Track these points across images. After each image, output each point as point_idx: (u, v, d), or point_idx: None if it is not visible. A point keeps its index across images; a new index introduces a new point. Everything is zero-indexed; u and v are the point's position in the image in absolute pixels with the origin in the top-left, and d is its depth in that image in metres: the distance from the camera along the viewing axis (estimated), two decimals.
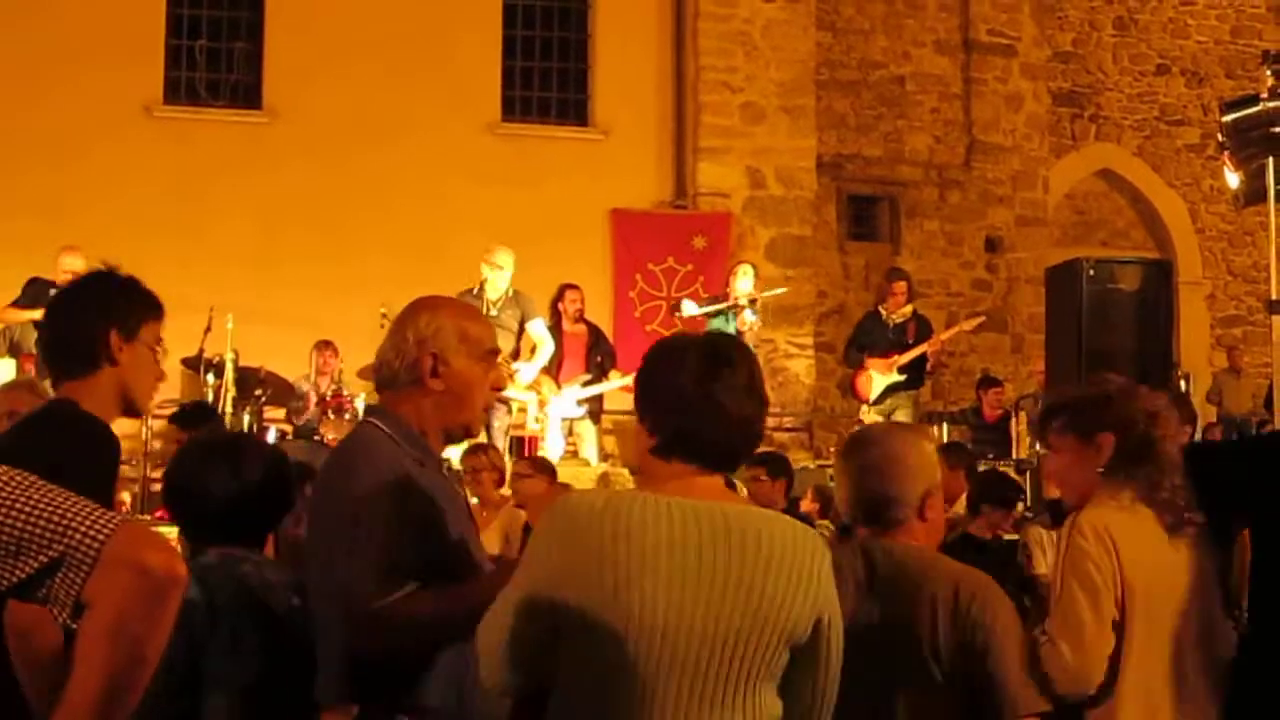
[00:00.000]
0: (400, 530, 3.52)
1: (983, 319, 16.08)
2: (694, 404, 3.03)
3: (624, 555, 2.91)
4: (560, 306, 13.93)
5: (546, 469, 9.98)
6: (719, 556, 2.93)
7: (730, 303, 13.84)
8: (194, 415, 9.24)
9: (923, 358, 14.75)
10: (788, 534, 3.01)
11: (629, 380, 13.48)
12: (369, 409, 4.17)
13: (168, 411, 14.64)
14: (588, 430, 13.74)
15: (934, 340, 14.77)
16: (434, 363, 3.77)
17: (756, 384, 3.13)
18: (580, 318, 14.05)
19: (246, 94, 16.67)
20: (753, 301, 13.94)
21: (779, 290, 15.22)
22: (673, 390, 3.07)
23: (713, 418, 3.04)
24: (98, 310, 3.96)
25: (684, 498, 2.99)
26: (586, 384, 13.71)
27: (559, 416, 13.54)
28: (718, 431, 3.05)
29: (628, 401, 12.40)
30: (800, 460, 15.13)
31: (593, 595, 2.91)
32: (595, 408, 13.90)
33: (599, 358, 13.94)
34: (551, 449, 13.37)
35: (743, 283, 13.95)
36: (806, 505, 10.62)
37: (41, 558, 2.39)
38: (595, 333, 14.18)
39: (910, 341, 14.66)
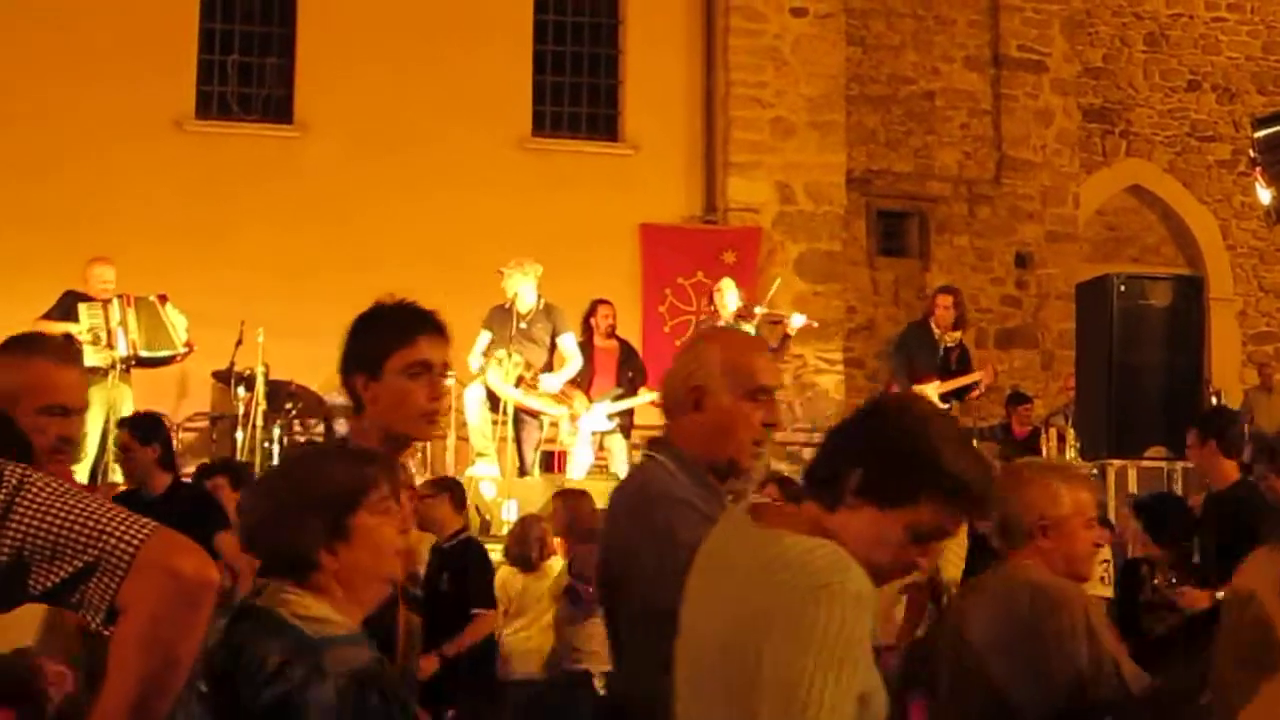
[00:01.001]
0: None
1: (994, 373, 15.70)
2: None
3: None
4: (592, 321, 13.93)
5: (449, 488, 9.93)
6: None
7: (737, 319, 13.80)
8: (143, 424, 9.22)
9: (970, 385, 14.56)
10: None
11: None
12: (651, 442, 4.21)
13: (199, 424, 14.82)
14: (618, 444, 13.73)
15: (989, 369, 14.60)
16: (698, 396, 3.86)
17: None
18: (611, 333, 14.05)
19: (278, 108, 16.74)
20: (765, 311, 13.99)
21: (800, 323, 15.01)
22: None
23: None
24: (346, 360, 3.98)
25: None
26: (617, 398, 13.71)
27: (589, 430, 13.55)
28: None
29: (657, 416, 12.39)
30: None
31: None
32: (626, 422, 13.89)
33: (630, 373, 13.94)
34: (580, 463, 13.37)
35: (729, 297, 13.96)
36: None
37: (76, 563, 2.41)
38: (626, 348, 14.17)
39: (954, 368, 14.49)
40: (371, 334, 3.93)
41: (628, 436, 13.92)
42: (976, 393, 14.88)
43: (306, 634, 3.02)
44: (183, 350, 13.04)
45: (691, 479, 3.81)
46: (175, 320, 12.98)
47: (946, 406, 14.32)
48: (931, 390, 14.30)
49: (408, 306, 3.96)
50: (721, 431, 3.84)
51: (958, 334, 14.69)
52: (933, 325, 14.70)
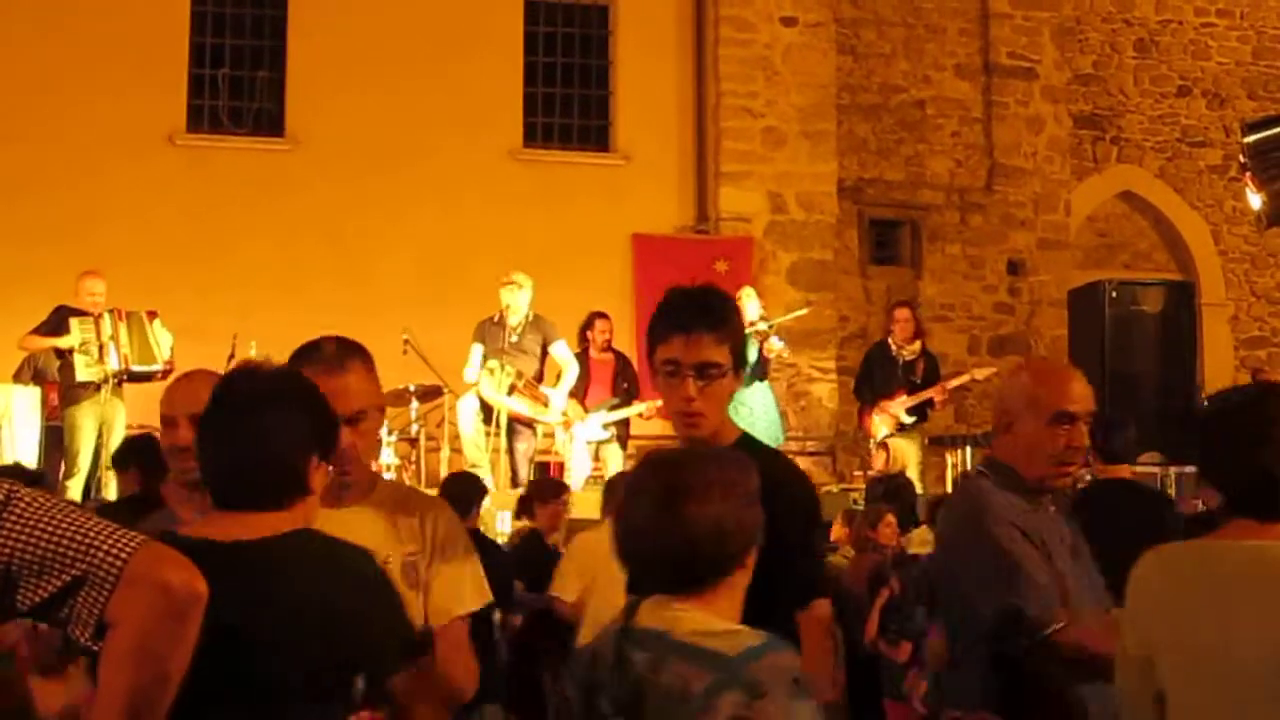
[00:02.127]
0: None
1: (995, 370, 15.70)
2: None
3: None
4: (589, 334, 13.95)
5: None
6: None
7: (750, 330, 13.80)
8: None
9: (930, 400, 14.44)
10: None
11: (656, 405, 13.54)
12: (983, 459, 4.54)
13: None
14: (614, 454, 13.75)
15: (940, 388, 14.46)
16: (1009, 420, 4.25)
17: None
18: (608, 346, 14.07)
19: (269, 121, 16.74)
20: (770, 326, 13.96)
21: (800, 312, 15.21)
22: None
23: None
24: None
25: None
26: (613, 408, 13.73)
27: (585, 440, 13.56)
28: None
29: (652, 427, 12.43)
30: (824, 484, 15.12)
31: None
32: (622, 432, 13.90)
33: (625, 384, 13.96)
34: (577, 472, 13.38)
35: (750, 306, 13.93)
36: (836, 532, 10.38)
37: (64, 577, 2.41)
38: (622, 360, 14.19)
39: (919, 381, 14.42)
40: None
41: (624, 447, 13.93)
42: (938, 407, 14.69)
43: (724, 652, 2.87)
44: (162, 368, 12.93)
45: (1011, 488, 4.19)
46: (161, 338, 12.92)
47: (913, 420, 14.31)
48: (897, 406, 14.27)
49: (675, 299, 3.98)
50: (1024, 454, 4.19)
51: (917, 345, 14.62)
52: (890, 342, 14.66)
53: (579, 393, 13.63)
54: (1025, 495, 4.18)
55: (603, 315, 14.17)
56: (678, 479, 3.04)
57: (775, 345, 13.90)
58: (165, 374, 13.18)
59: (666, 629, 2.93)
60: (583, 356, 13.78)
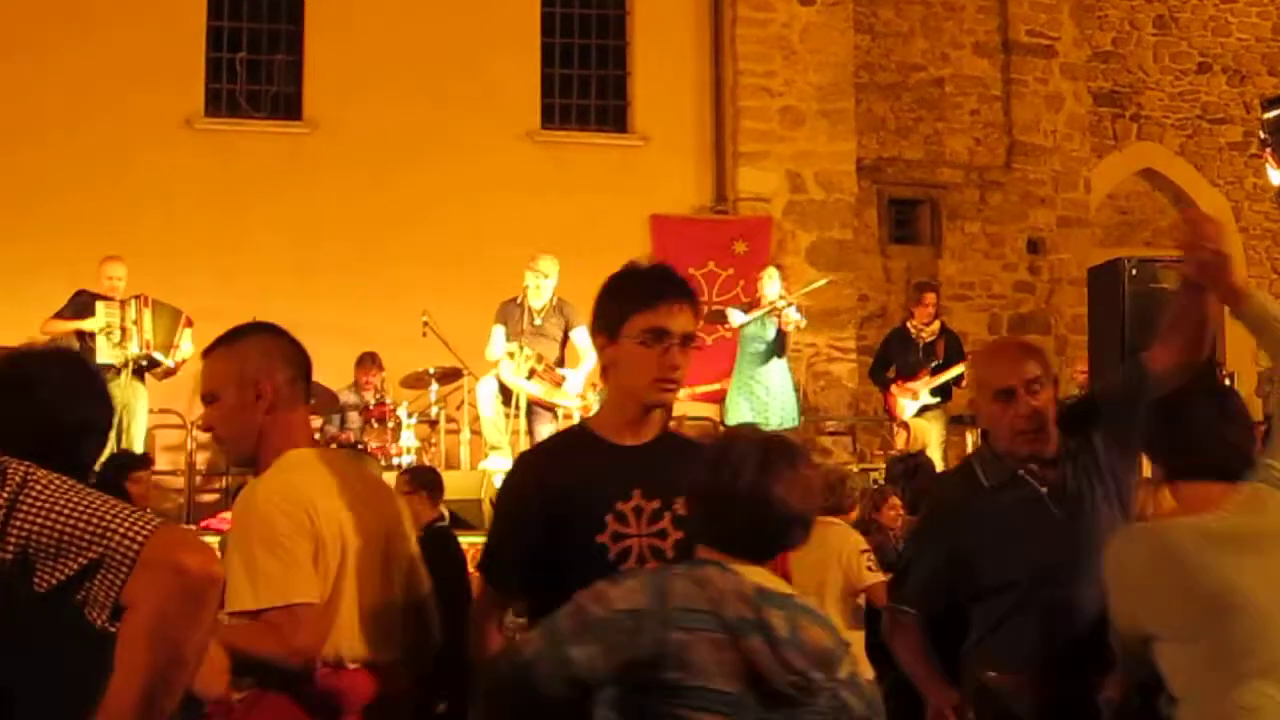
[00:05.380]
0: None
1: None
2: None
3: None
4: None
5: (426, 483, 9.95)
6: None
7: (768, 307, 13.78)
8: None
9: (956, 376, 14.40)
10: None
11: (702, 390, 13.51)
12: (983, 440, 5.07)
13: None
14: None
15: (964, 365, 14.45)
16: (976, 407, 4.82)
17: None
18: None
19: (287, 105, 16.74)
20: (786, 301, 13.92)
21: (819, 284, 15.14)
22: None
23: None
24: (592, 325, 4.05)
25: None
26: None
27: None
28: None
29: (693, 409, 12.42)
30: (844, 464, 15.10)
31: None
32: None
33: None
34: None
35: (770, 287, 13.89)
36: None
37: (81, 559, 2.41)
38: None
39: (940, 360, 14.39)
40: (606, 297, 4.02)
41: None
42: (966, 384, 14.71)
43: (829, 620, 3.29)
44: (169, 365, 13.06)
45: (983, 465, 4.65)
46: (184, 343, 13.02)
47: (937, 400, 14.29)
48: (921, 386, 14.26)
49: (650, 270, 4.04)
50: (994, 431, 4.59)
51: (936, 325, 14.60)
52: (909, 325, 14.64)
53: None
54: (1006, 470, 4.53)
55: None
56: (774, 451, 3.34)
57: (792, 316, 13.83)
58: (168, 374, 13.24)
59: (786, 591, 3.25)
60: None
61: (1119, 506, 4.54)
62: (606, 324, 3.95)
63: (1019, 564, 4.42)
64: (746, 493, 3.27)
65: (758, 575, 3.23)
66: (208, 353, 4.10)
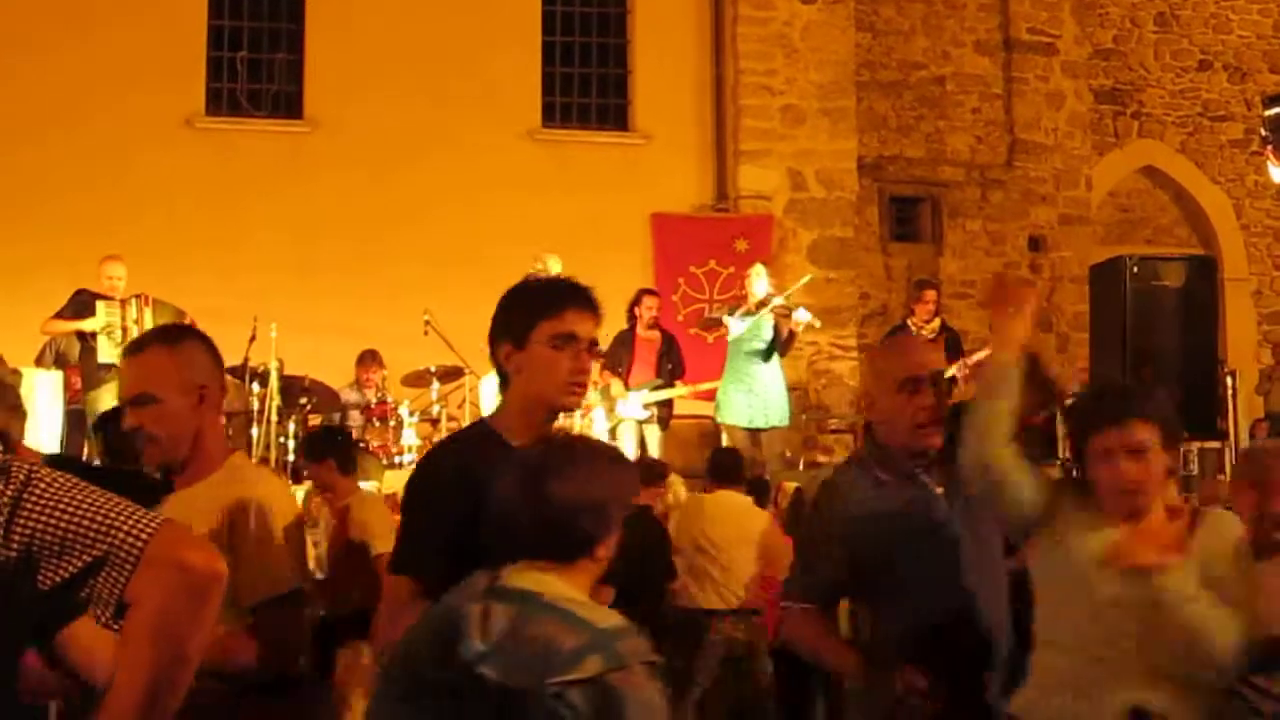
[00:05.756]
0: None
1: None
2: None
3: None
4: (636, 311, 13.85)
5: None
6: None
7: (764, 310, 13.74)
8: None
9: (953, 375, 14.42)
10: None
11: (704, 387, 13.50)
12: (866, 439, 4.99)
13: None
14: (653, 435, 13.65)
15: (962, 363, 14.43)
16: (869, 400, 4.68)
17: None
18: (655, 324, 13.97)
19: (288, 104, 16.75)
20: (786, 299, 13.89)
21: (803, 280, 15.03)
22: None
23: None
24: (492, 332, 4.14)
25: None
26: (655, 389, 13.64)
27: (630, 417, 13.48)
28: None
29: (695, 407, 12.47)
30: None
31: None
32: (665, 413, 13.79)
33: (669, 364, 13.85)
34: None
35: (758, 285, 13.88)
36: None
37: (85, 557, 2.41)
38: (668, 339, 14.06)
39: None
40: (516, 302, 4.10)
41: (665, 428, 13.81)
42: (962, 384, 14.70)
43: (586, 618, 3.13)
44: None
45: (875, 461, 4.62)
46: None
47: None
48: None
49: (555, 280, 4.18)
50: (890, 424, 4.57)
51: (936, 322, 14.59)
52: (909, 323, 14.63)
53: (623, 370, 13.56)
54: (896, 467, 4.53)
55: (651, 292, 14.11)
56: (548, 459, 3.36)
57: (802, 318, 13.83)
58: None
59: (537, 590, 3.16)
60: (629, 333, 13.74)
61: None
62: (513, 331, 4.03)
63: (915, 563, 4.45)
64: (515, 499, 3.33)
65: (528, 579, 3.21)
66: (137, 352, 4.12)
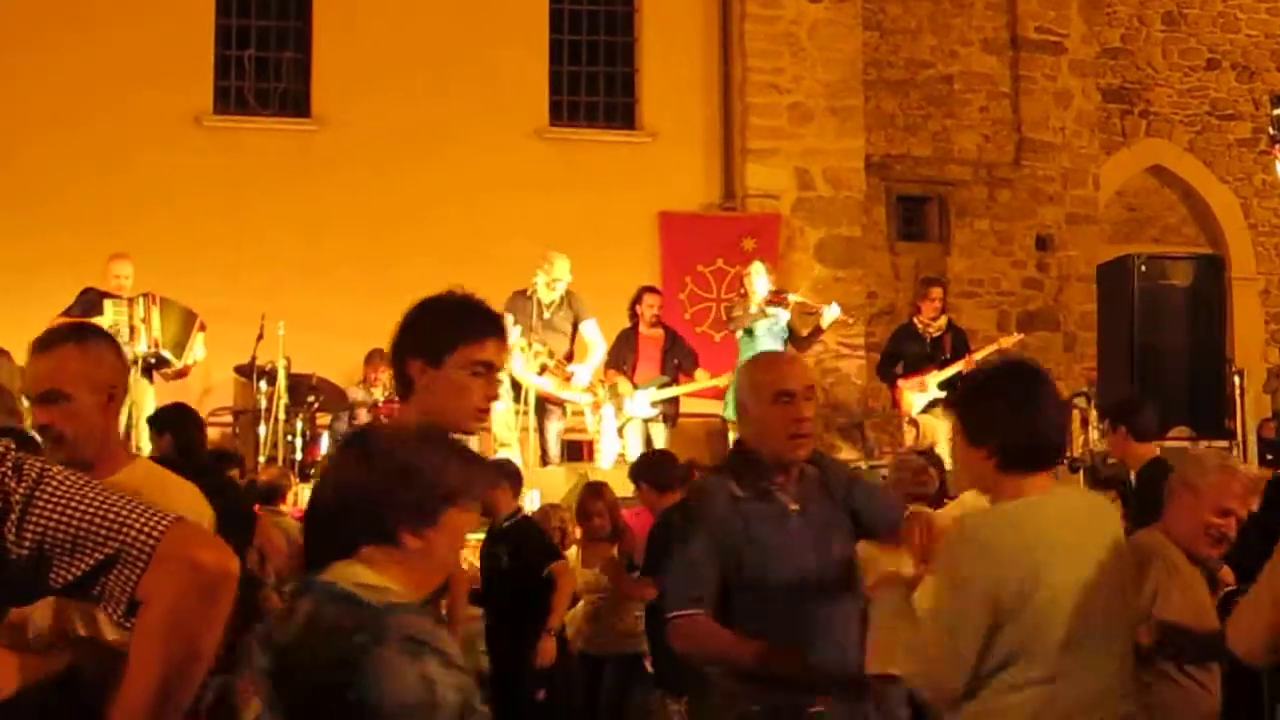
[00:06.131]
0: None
1: (1022, 337, 15.81)
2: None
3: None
4: (638, 309, 13.83)
5: (508, 474, 9.94)
6: None
7: (768, 304, 13.76)
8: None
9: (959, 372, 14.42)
10: None
11: (718, 382, 13.48)
12: (734, 446, 5.13)
13: (222, 419, 14.84)
14: (660, 433, 13.62)
15: (969, 360, 14.43)
16: (743, 409, 4.83)
17: None
18: (657, 321, 13.96)
19: (295, 102, 16.75)
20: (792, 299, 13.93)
21: (834, 315, 14.86)
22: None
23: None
24: (403, 341, 4.07)
25: None
26: (662, 386, 13.62)
27: (637, 416, 13.46)
28: None
29: (703, 405, 12.34)
30: (853, 461, 15.10)
31: None
32: (671, 411, 13.76)
33: (675, 360, 13.82)
34: (608, 452, 13.34)
35: (759, 282, 13.89)
36: None
37: (97, 555, 2.42)
38: (672, 336, 14.03)
39: (947, 355, 14.38)
40: (439, 321, 4.05)
41: (673, 425, 13.77)
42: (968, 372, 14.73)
43: (366, 600, 3.09)
44: (179, 367, 13.05)
45: (738, 474, 4.75)
46: (197, 345, 13.01)
47: (944, 394, 14.29)
48: (930, 381, 14.24)
49: (477, 304, 4.08)
50: (761, 434, 4.72)
51: (943, 320, 14.59)
52: (916, 321, 14.63)
53: (628, 369, 13.55)
54: (754, 482, 4.68)
55: (652, 290, 14.09)
56: (363, 438, 3.35)
57: (832, 314, 13.87)
58: (179, 375, 13.25)
59: (333, 580, 3.12)
60: (631, 332, 13.72)
61: (849, 525, 4.80)
62: (429, 349, 3.99)
63: (767, 576, 4.60)
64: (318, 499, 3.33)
65: (334, 572, 3.18)
66: (46, 349, 4.08)
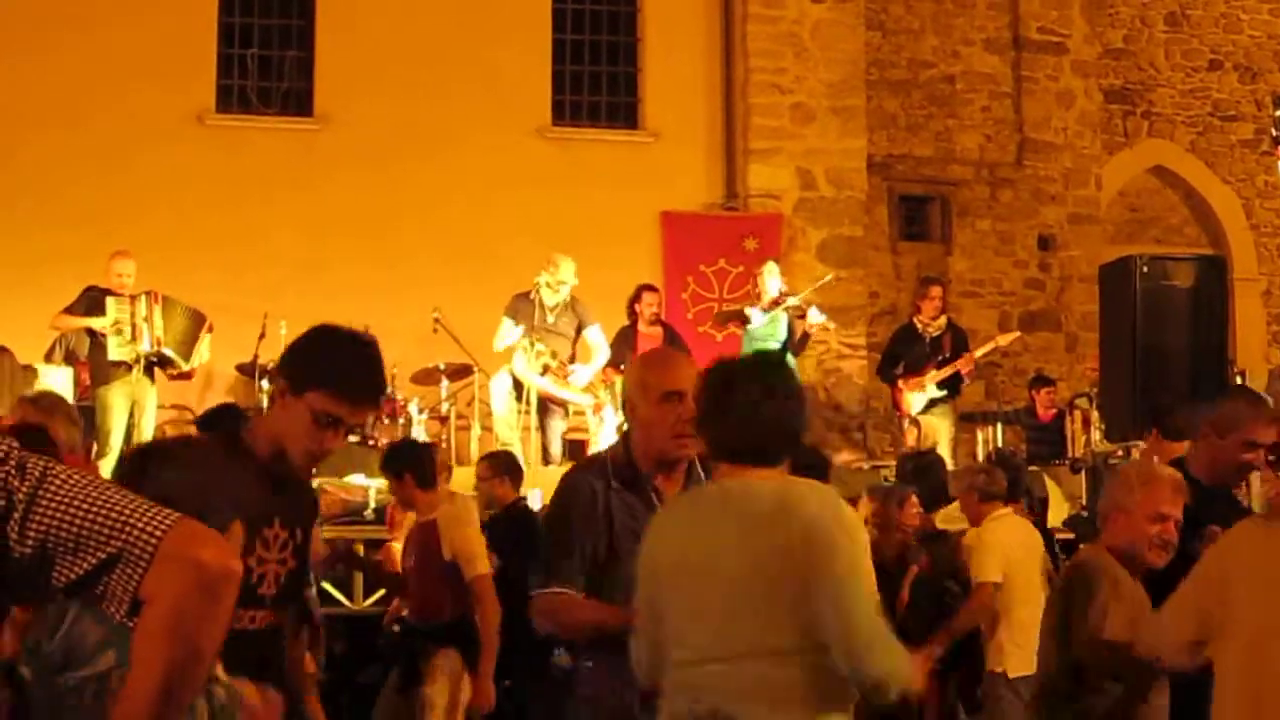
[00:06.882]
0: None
1: (1018, 334, 15.88)
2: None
3: None
4: (636, 308, 13.83)
5: (508, 468, 9.96)
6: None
7: (783, 306, 13.79)
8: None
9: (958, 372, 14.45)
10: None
11: None
12: (620, 439, 5.15)
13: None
14: None
15: (967, 358, 14.46)
16: (630, 406, 4.88)
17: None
18: (656, 319, 13.96)
19: (298, 101, 16.76)
20: (801, 300, 13.93)
21: (825, 279, 15.10)
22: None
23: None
24: (287, 355, 4.16)
25: None
26: None
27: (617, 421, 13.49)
28: None
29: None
30: (854, 461, 15.12)
31: None
32: None
33: None
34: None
35: (771, 282, 13.91)
36: (863, 509, 10.35)
37: (100, 554, 2.42)
38: (670, 334, 14.04)
39: (946, 354, 14.41)
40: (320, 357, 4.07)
41: None
42: (967, 380, 14.77)
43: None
44: (185, 368, 13.03)
45: (610, 467, 4.81)
46: (203, 346, 12.99)
47: (944, 393, 14.31)
48: (929, 380, 14.26)
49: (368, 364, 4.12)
50: (647, 432, 4.74)
51: (942, 320, 14.61)
52: (916, 321, 14.65)
53: (627, 367, 13.52)
54: (633, 476, 4.73)
55: (650, 288, 14.09)
56: None
57: (816, 319, 13.86)
58: (184, 376, 13.23)
59: None
60: (630, 330, 13.72)
61: None
62: (297, 376, 4.01)
63: (633, 563, 4.60)
64: None
65: None
66: None
